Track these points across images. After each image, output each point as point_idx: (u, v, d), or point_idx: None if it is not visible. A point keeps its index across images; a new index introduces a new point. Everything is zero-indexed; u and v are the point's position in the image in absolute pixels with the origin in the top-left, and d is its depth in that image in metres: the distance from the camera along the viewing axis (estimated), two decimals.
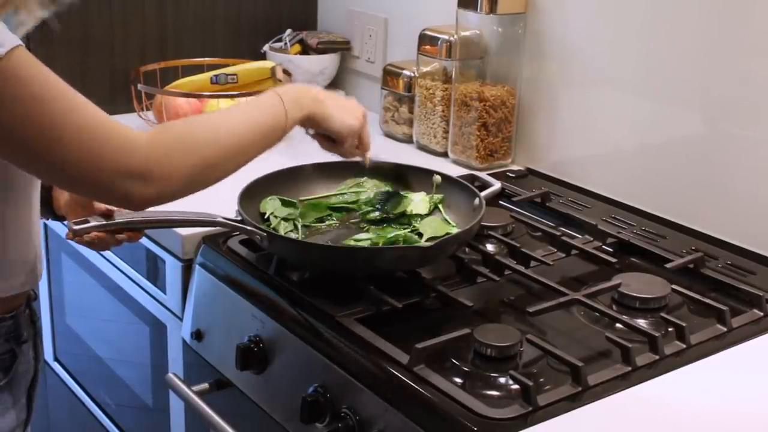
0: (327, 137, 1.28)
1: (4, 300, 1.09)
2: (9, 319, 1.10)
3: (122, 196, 0.98)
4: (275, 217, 1.35)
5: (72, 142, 0.93)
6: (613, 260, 1.36)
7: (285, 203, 1.39)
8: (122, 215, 1.20)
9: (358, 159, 1.37)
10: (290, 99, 1.17)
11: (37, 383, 1.16)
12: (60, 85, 0.94)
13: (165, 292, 1.52)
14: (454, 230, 1.35)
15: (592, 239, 1.45)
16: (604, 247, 1.43)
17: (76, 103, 0.94)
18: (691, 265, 1.35)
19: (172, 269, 1.48)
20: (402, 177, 1.46)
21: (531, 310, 1.17)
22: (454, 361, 1.09)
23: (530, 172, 1.77)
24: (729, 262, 1.38)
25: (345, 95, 2.23)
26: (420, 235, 1.34)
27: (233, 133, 1.09)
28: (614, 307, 1.25)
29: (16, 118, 0.90)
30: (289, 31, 2.21)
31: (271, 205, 1.38)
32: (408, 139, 1.93)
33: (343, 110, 1.26)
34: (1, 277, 1.08)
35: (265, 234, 1.25)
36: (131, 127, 0.99)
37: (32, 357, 1.14)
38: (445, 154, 1.84)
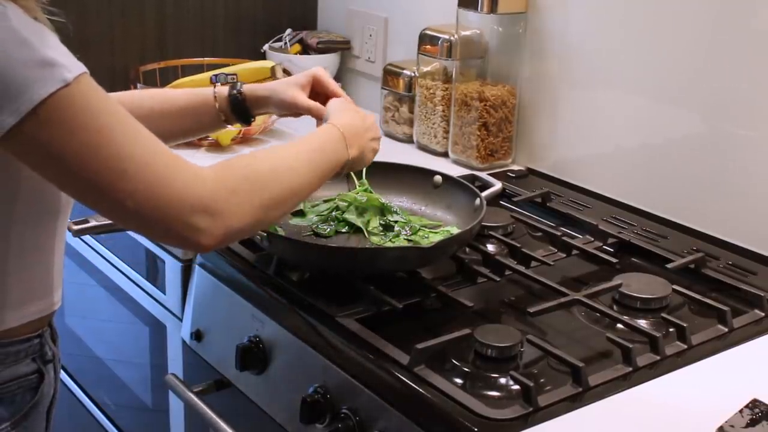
0: None
1: (34, 321, 1.07)
2: (36, 338, 1.08)
3: (189, 231, 0.94)
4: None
5: (138, 173, 0.90)
6: (614, 260, 1.36)
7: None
8: None
9: None
10: (351, 136, 1.17)
11: (55, 403, 1.15)
12: (124, 115, 0.92)
13: (165, 293, 1.52)
14: (455, 230, 1.35)
15: (592, 239, 1.45)
16: (604, 247, 1.43)
17: (141, 135, 0.92)
18: (692, 265, 1.35)
19: (172, 269, 1.48)
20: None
21: (531, 310, 1.16)
22: (454, 361, 1.09)
23: (531, 172, 1.77)
24: (730, 262, 1.38)
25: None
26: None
27: (296, 171, 1.07)
28: (615, 307, 1.25)
29: (82, 146, 0.87)
30: (289, 30, 2.21)
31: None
32: (408, 139, 1.93)
33: (372, 152, 1.25)
34: (39, 298, 1.07)
35: (265, 234, 1.25)
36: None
37: (53, 377, 1.13)
38: (445, 154, 1.83)
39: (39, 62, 0.86)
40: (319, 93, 1.30)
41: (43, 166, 0.91)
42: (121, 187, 0.90)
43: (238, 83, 1.30)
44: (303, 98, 1.28)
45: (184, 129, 1.31)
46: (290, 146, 1.13)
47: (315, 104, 1.27)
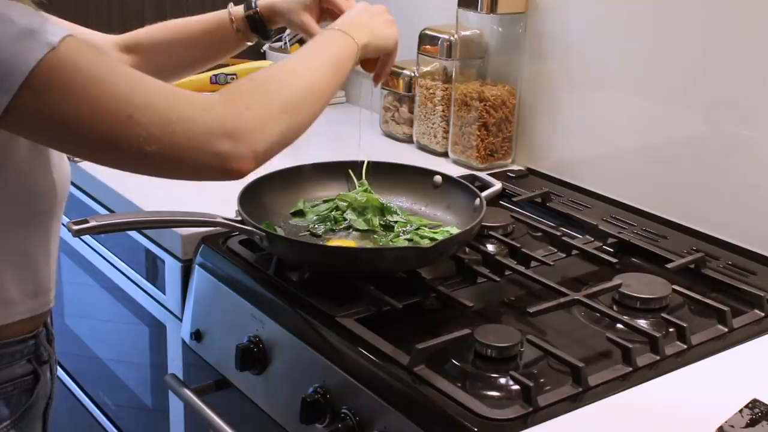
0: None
1: (27, 320, 1.07)
2: (31, 339, 1.08)
3: (215, 160, 0.93)
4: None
5: (145, 115, 0.89)
6: (614, 260, 1.35)
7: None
8: (123, 215, 1.19)
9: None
10: (351, 26, 1.16)
11: (51, 403, 1.15)
12: (115, 66, 0.92)
13: (164, 293, 1.51)
14: (455, 230, 1.35)
15: (592, 239, 1.45)
16: (604, 247, 1.42)
17: (135, 79, 0.91)
18: (692, 266, 1.35)
19: (172, 269, 1.47)
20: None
21: (531, 310, 1.16)
22: (454, 361, 1.09)
23: (530, 172, 1.77)
24: (730, 263, 1.38)
25: (345, 95, 2.23)
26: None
27: (302, 70, 1.06)
28: (615, 307, 1.25)
29: (81, 104, 0.87)
30: (288, 30, 2.20)
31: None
32: (408, 139, 1.93)
33: (387, 25, 1.24)
34: (32, 297, 1.07)
35: (264, 234, 1.25)
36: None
37: (49, 378, 1.13)
38: (445, 154, 1.83)
39: (20, 34, 0.85)
40: (328, 11, 1.30)
41: (50, 135, 0.91)
42: (133, 133, 0.89)
43: (253, 1, 1.31)
44: (311, 23, 1.28)
45: (204, 54, 1.33)
46: (289, 57, 1.12)
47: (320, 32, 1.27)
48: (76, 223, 1.11)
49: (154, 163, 0.93)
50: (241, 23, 1.30)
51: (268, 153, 0.99)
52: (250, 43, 1.33)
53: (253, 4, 1.30)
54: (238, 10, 1.30)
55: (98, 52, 0.92)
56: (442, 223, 1.41)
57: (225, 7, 1.31)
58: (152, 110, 0.90)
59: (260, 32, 1.31)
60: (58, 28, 0.88)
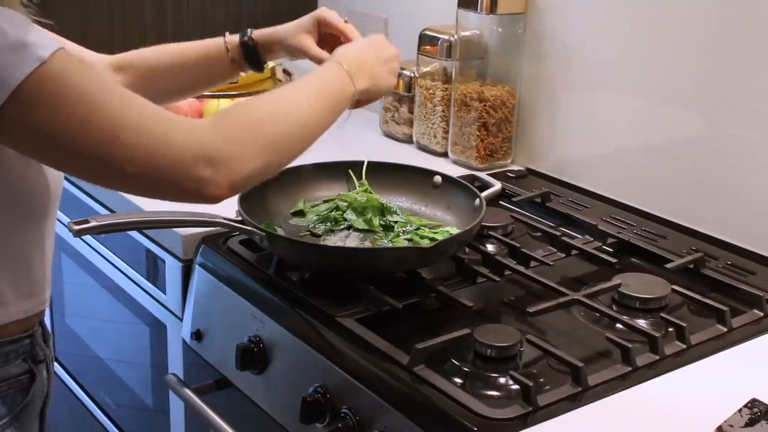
0: None
1: (22, 320, 1.07)
2: (26, 338, 1.08)
3: (195, 184, 0.93)
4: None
5: (131, 137, 0.89)
6: (613, 260, 1.36)
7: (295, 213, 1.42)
8: (123, 215, 1.19)
9: None
10: (353, 66, 1.15)
11: (48, 402, 1.15)
12: (108, 84, 0.92)
13: (165, 293, 1.52)
14: (454, 230, 1.35)
15: (592, 239, 1.45)
16: (604, 247, 1.43)
17: (128, 99, 0.91)
18: (692, 266, 1.35)
19: (172, 269, 1.48)
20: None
21: (531, 310, 1.17)
22: (454, 361, 1.09)
23: (530, 172, 1.77)
24: (729, 263, 1.38)
25: None
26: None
27: (298, 110, 1.06)
28: (614, 307, 1.25)
29: (70, 121, 0.87)
30: None
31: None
32: (408, 140, 1.93)
33: (391, 74, 1.24)
34: (27, 297, 1.07)
35: (264, 234, 1.25)
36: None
37: (45, 377, 1.13)
38: (445, 155, 1.84)
39: (10, 46, 0.85)
40: (327, 34, 1.29)
41: (37, 149, 0.91)
42: (118, 154, 0.89)
43: (248, 30, 1.30)
44: (311, 45, 1.28)
45: (198, 80, 1.33)
46: (290, 86, 1.12)
47: (321, 53, 1.26)
48: (76, 223, 1.12)
49: (135, 183, 0.93)
50: (236, 52, 1.29)
51: (246, 183, 0.99)
52: (243, 74, 1.32)
53: (248, 32, 1.29)
54: (234, 38, 1.30)
55: (90, 69, 0.92)
56: (442, 223, 1.41)
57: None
58: (143, 132, 0.90)
59: (253, 62, 1.30)
60: (50, 42, 0.88)
